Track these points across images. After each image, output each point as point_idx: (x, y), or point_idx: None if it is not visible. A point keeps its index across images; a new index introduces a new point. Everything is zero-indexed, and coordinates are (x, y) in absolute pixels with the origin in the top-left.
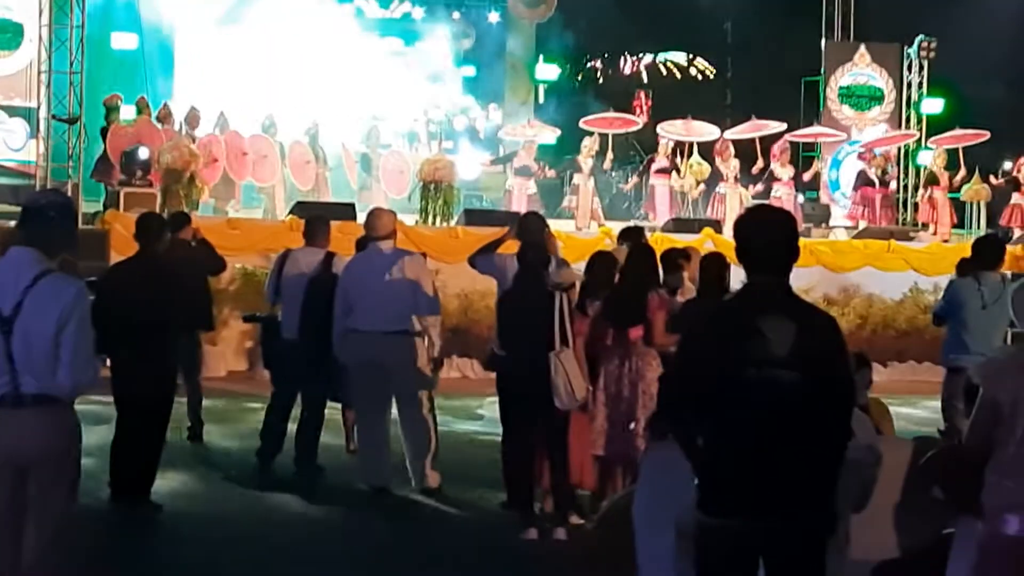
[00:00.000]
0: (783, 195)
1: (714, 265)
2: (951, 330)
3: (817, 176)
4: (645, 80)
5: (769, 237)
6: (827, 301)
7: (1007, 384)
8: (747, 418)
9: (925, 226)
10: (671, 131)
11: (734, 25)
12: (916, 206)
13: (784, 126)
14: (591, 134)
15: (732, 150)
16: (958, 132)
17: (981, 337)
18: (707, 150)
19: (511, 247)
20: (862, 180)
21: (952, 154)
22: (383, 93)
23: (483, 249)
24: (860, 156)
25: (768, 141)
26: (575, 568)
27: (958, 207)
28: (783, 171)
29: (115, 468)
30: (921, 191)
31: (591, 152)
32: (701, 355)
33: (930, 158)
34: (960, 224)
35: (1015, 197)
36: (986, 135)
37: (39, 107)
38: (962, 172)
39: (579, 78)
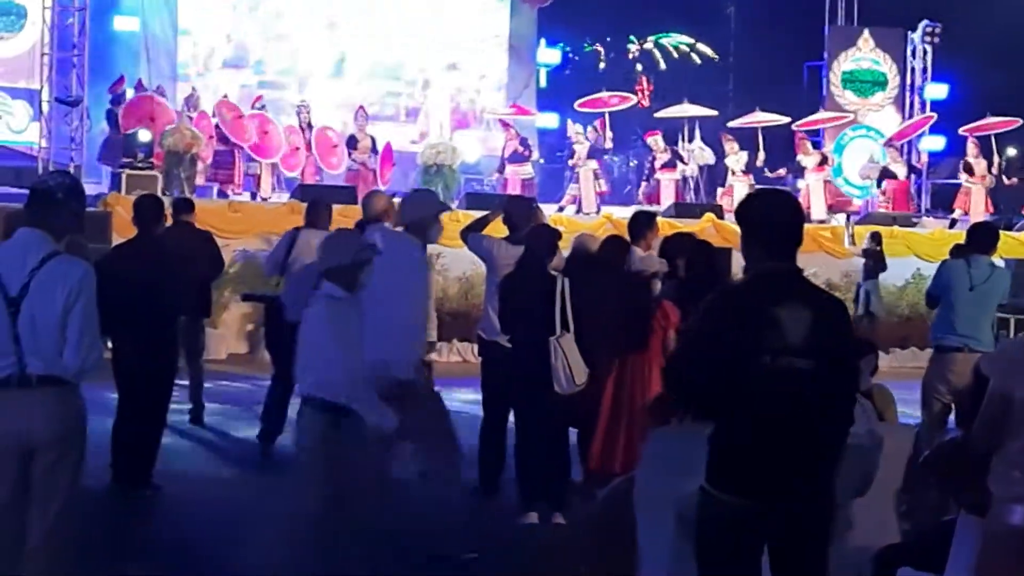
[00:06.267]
0: (811, 182)
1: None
2: (939, 311)
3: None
4: (647, 64)
5: (779, 221)
6: (829, 286)
7: (1021, 379)
8: (761, 405)
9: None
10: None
11: (737, 9)
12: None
13: (788, 119)
14: (584, 119)
15: (736, 144)
16: (990, 120)
17: (968, 319)
18: (709, 134)
19: (500, 230)
20: (887, 175)
21: (959, 142)
22: (390, 72)
23: (474, 225)
24: (887, 147)
25: (771, 130)
26: (575, 552)
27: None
28: (808, 160)
29: (116, 450)
30: (964, 179)
31: (580, 137)
32: (715, 341)
33: (940, 144)
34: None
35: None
36: (1017, 122)
37: (42, 89)
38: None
39: (581, 62)
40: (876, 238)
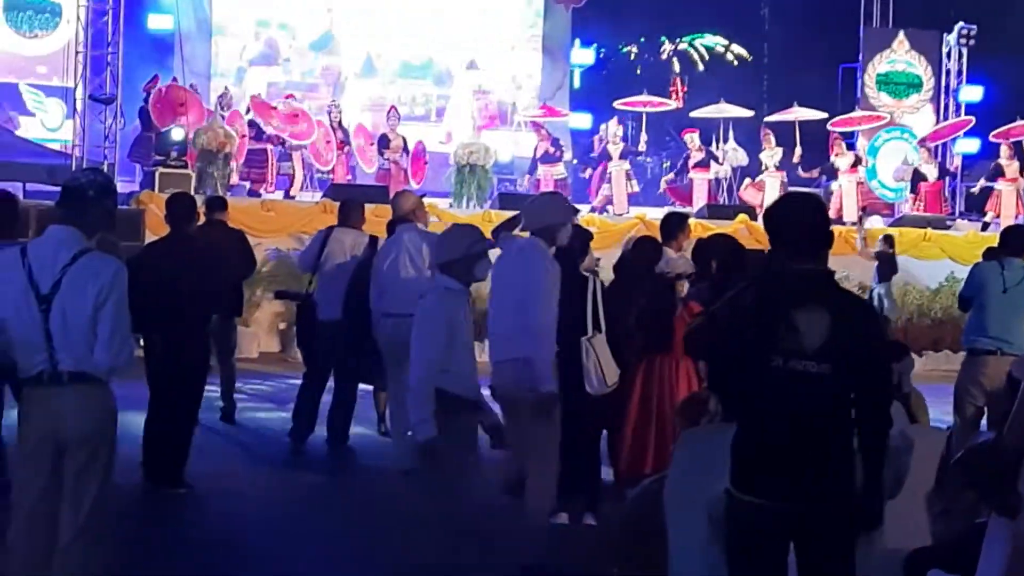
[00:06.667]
0: (844, 184)
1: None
2: (972, 313)
3: (859, 161)
4: (681, 65)
5: (800, 222)
6: (862, 289)
7: None
8: (770, 406)
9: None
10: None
11: (771, 11)
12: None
13: (825, 115)
14: (615, 119)
15: (773, 139)
16: (1021, 123)
17: (1000, 321)
18: (743, 136)
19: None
20: (919, 177)
21: (994, 144)
22: (420, 72)
23: (505, 224)
24: (920, 147)
25: (808, 128)
26: (606, 552)
27: None
28: (842, 161)
29: (148, 448)
30: (983, 182)
31: (616, 138)
32: (735, 337)
33: (974, 147)
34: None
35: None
36: None
37: (76, 87)
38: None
39: (615, 63)
40: (888, 241)
